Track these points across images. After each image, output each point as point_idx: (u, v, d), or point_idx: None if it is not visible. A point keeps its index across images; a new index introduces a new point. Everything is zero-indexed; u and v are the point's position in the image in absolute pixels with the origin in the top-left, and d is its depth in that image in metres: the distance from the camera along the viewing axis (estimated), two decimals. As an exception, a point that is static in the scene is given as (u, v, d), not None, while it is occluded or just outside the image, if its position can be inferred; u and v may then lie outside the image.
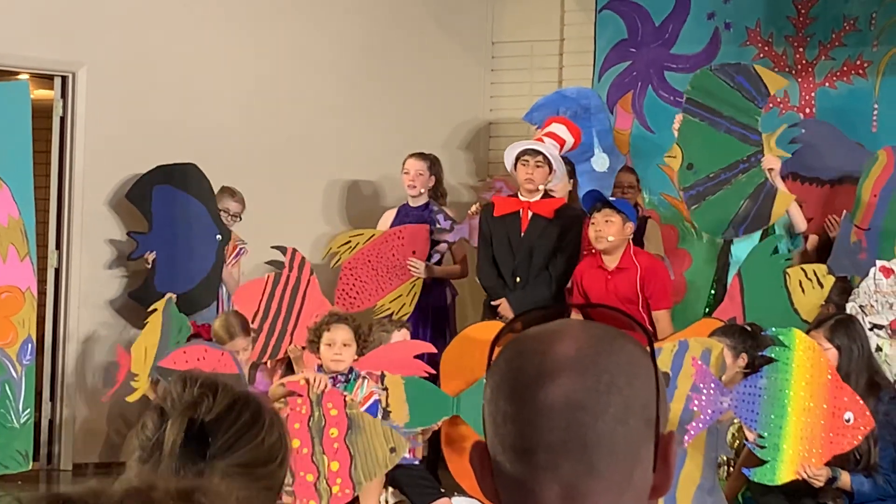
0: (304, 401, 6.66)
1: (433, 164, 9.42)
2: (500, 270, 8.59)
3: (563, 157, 8.90)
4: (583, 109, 9.73)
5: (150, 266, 9.13)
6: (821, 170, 9.12)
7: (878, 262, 7.75)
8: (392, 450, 6.65)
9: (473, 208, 9.40)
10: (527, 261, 8.51)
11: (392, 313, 8.97)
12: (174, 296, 8.46)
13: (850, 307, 7.60)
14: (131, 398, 7.90)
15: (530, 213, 8.54)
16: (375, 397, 7.03)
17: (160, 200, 9.21)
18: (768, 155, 8.46)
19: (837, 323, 6.85)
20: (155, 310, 8.20)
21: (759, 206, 8.44)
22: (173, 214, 9.20)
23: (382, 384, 7.12)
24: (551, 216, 8.47)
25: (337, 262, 9.13)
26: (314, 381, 6.79)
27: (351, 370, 7.13)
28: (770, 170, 8.41)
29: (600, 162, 9.65)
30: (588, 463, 1.47)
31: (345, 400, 6.73)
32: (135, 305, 9.10)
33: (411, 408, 7.22)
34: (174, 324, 8.12)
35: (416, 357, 7.54)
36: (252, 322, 8.19)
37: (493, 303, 8.54)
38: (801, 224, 8.51)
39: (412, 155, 9.43)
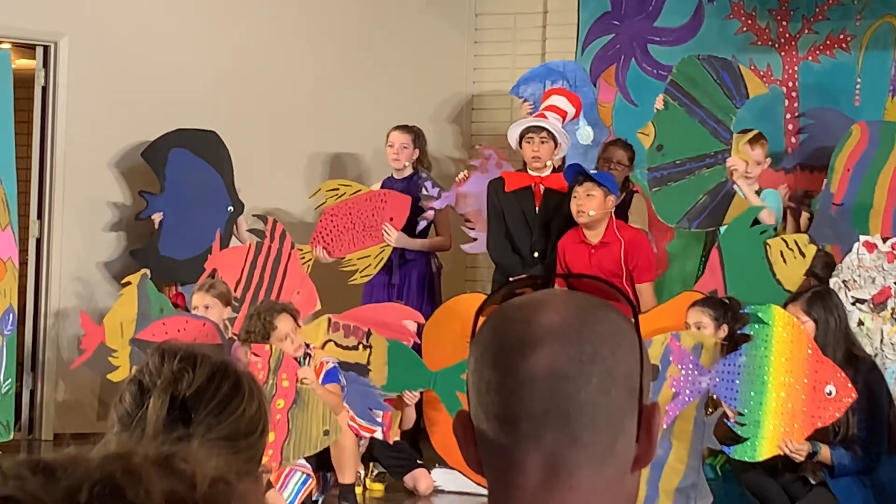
0: (264, 366, 6.68)
1: (417, 136, 9.38)
2: (516, 246, 8.54)
3: None
4: (568, 82, 9.71)
5: (156, 227, 9.11)
6: (829, 157, 9.07)
7: (862, 238, 7.77)
8: (325, 433, 6.65)
9: (461, 175, 9.39)
10: (545, 235, 8.47)
11: (356, 271, 8.99)
12: (148, 271, 8.32)
13: (834, 282, 7.62)
14: (115, 377, 7.76)
15: (542, 188, 8.53)
16: (327, 366, 7.10)
17: (176, 163, 9.15)
18: (735, 156, 8.46)
19: (814, 295, 6.87)
20: (129, 283, 8.13)
21: (716, 204, 8.46)
22: (187, 180, 9.13)
23: (367, 342, 7.18)
24: (565, 189, 8.42)
25: (321, 204, 9.15)
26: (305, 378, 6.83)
27: (306, 344, 7.26)
28: (733, 170, 8.39)
29: (584, 135, 9.63)
30: (571, 433, 1.46)
31: (298, 375, 6.76)
32: (125, 272, 8.94)
33: (390, 371, 7.27)
34: (153, 303, 8.01)
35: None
36: (234, 290, 8.16)
37: (512, 279, 8.36)
38: (768, 220, 8.43)
39: (396, 127, 9.37)
